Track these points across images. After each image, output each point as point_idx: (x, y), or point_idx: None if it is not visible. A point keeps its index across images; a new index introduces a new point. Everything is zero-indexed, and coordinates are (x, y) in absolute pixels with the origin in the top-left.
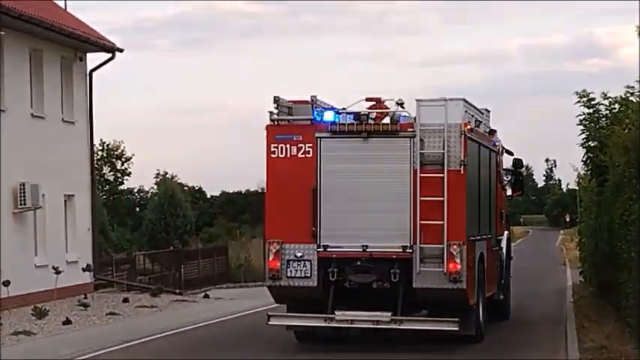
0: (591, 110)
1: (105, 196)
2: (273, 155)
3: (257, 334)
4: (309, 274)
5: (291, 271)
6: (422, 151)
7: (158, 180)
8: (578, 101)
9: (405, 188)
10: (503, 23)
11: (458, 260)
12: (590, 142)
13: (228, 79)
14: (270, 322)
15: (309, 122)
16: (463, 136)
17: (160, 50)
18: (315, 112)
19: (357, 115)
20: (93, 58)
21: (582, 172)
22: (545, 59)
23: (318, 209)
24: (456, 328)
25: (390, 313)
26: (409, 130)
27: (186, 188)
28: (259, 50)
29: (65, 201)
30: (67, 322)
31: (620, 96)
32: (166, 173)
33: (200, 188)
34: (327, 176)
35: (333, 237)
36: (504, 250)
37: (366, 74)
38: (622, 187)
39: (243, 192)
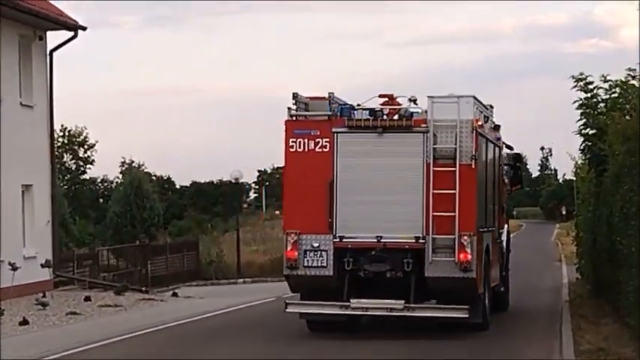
0: (589, 95)
1: (66, 187)
2: (291, 149)
3: (230, 335)
4: (325, 264)
5: (308, 260)
6: (435, 146)
7: (123, 169)
8: (575, 85)
9: (418, 181)
10: (496, 1)
11: (468, 250)
12: (588, 130)
13: (200, 59)
14: (287, 310)
15: (326, 118)
16: (474, 131)
17: (126, 28)
18: (332, 108)
19: (372, 111)
20: (54, 37)
21: (580, 162)
22: (542, 39)
23: (334, 201)
24: (467, 316)
25: (403, 301)
26: (422, 125)
27: (153, 178)
28: (235, 29)
29: (23, 191)
30: (24, 322)
31: (621, 79)
32: (132, 162)
33: (169, 178)
34: (343, 170)
35: (348, 228)
36: (504, 243)
37: (351, 53)
38: (622, 178)
39: (215, 182)
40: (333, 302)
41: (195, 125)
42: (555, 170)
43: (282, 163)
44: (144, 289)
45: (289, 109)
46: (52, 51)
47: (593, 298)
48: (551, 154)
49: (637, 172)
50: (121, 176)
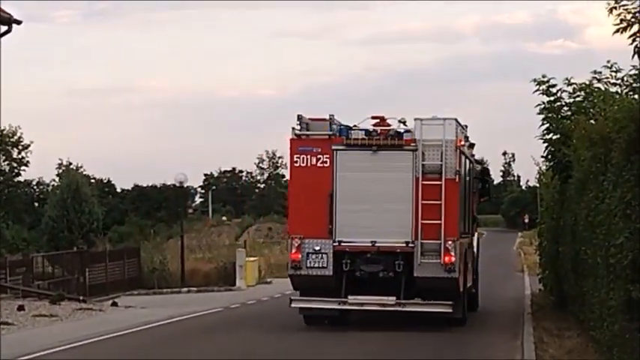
0: (552, 98)
1: None
2: (295, 164)
3: (172, 348)
4: (325, 265)
5: (310, 262)
6: (423, 162)
7: (60, 171)
8: (537, 89)
9: (408, 193)
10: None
11: (453, 254)
12: (551, 135)
13: (142, 56)
14: (292, 305)
15: (327, 137)
16: (457, 150)
17: (63, 23)
18: (332, 128)
19: (367, 132)
20: None
21: (543, 168)
22: (505, 39)
23: (334, 210)
24: (451, 310)
25: (394, 298)
26: (412, 144)
27: (93, 181)
28: (179, 24)
29: None
30: None
31: (585, 83)
32: (70, 164)
33: (109, 181)
34: (342, 182)
35: (346, 233)
36: (475, 249)
37: (303, 53)
38: (587, 185)
39: (158, 186)
40: (333, 298)
41: (137, 126)
42: (518, 177)
43: (248, 173)
44: (81, 298)
45: (293, 128)
46: None
47: (556, 310)
48: (513, 160)
49: (602, 178)
50: (57, 179)
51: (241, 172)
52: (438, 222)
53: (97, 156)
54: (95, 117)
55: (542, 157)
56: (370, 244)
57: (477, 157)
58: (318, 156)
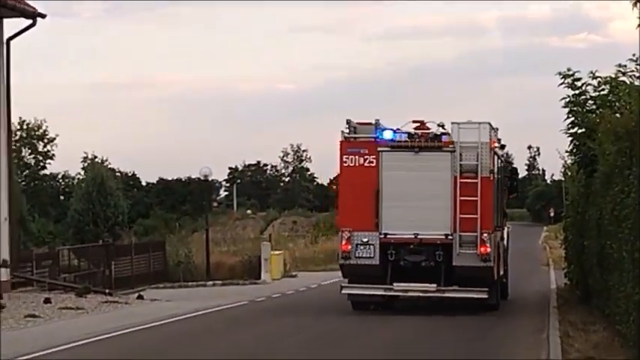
0: (577, 92)
1: (24, 183)
2: (345, 164)
3: (198, 341)
4: (372, 255)
5: (358, 252)
6: (461, 162)
7: (86, 165)
8: (562, 82)
9: (448, 190)
10: None
11: (488, 244)
12: (576, 128)
13: (164, 51)
14: (342, 292)
15: (373, 139)
16: (491, 151)
17: (87, 17)
18: (378, 131)
19: (409, 134)
20: (10, 25)
21: (569, 162)
22: (527, 34)
23: (379, 205)
24: (486, 296)
25: (435, 285)
26: (450, 146)
27: (118, 174)
28: (200, 20)
29: None
30: None
31: (610, 76)
32: (95, 157)
33: (134, 174)
34: (387, 181)
35: (391, 227)
36: (506, 242)
37: (322, 48)
38: (613, 179)
39: (183, 179)
40: (379, 285)
41: (161, 120)
42: (543, 170)
43: (337, 172)
44: (107, 291)
45: (343, 132)
46: (8, 39)
47: (582, 305)
48: (538, 154)
49: (628, 172)
50: (83, 172)
51: (266, 165)
52: (475, 216)
53: (122, 150)
54: (119, 111)
55: (567, 151)
56: (413, 236)
57: (505, 156)
58: (365, 157)
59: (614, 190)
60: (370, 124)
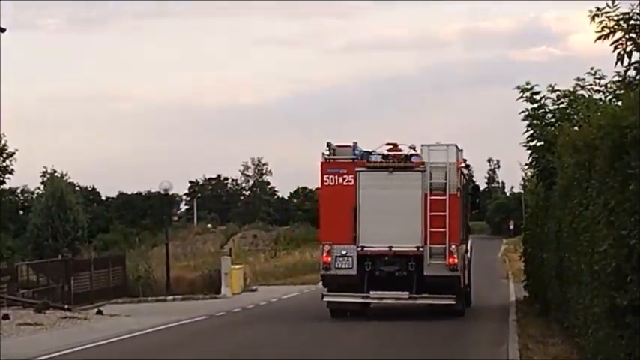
0: (536, 105)
1: None
2: (325, 183)
3: (155, 357)
4: (351, 266)
5: (338, 263)
6: (431, 181)
7: (45, 179)
8: (521, 96)
9: (419, 206)
10: (441, 5)
11: (455, 256)
12: (535, 142)
13: (125, 63)
14: (324, 299)
15: (351, 161)
16: (458, 170)
17: (49, 31)
18: (355, 153)
19: (384, 156)
20: None
21: (528, 175)
22: (488, 47)
23: (357, 221)
24: (454, 302)
25: (408, 292)
26: (421, 166)
27: (77, 189)
28: (162, 33)
29: None
30: None
31: (568, 89)
32: (55, 171)
33: (94, 189)
34: (364, 198)
35: (368, 240)
36: (469, 254)
37: (284, 61)
38: (571, 191)
39: (143, 194)
40: (357, 293)
41: (122, 134)
42: (503, 183)
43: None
44: (66, 306)
45: (323, 153)
46: None
47: (541, 317)
48: (498, 167)
49: (586, 185)
50: (42, 187)
51: (226, 179)
52: (444, 230)
53: (82, 164)
54: (80, 125)
55: (527, 164)
56: (388, 249)
57: (469, 175)
58: (344, 176)
59: (573, 202)
60: (348, 146)
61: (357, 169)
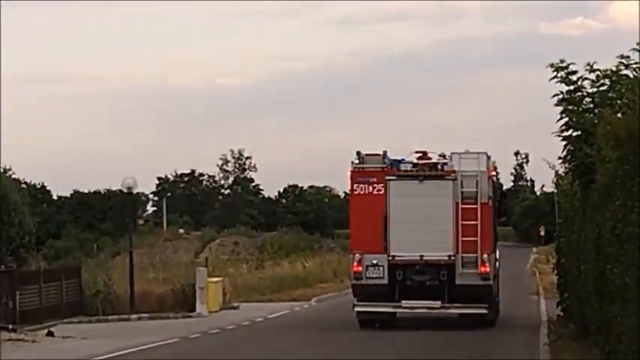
0: (572, 88)
1: None
2: (355, 192)
3: None
4: (382, 276)
5: (369, 273)
6: (462, 190)
7: None
8: (555, 76)
9: (449, 215)
10: None
11: (487, 264)
12: (571, 131)
13: (88, 40)
14: (355, 309)
15: (380, 169)
16: (489, 179)
17: None
18: (384, 162)
19: (414, 164)
20: None
21: (562, 171)
22: (513, 18)
23: (387, 229)
24: (486, 312)
25: (439, 302)
26: (452, 175)
27: (24, 186)
28: (128, 6)
29: None
30: None
31: (610, 69)
32: None
33: (43, 186)
34: (394, 207)
35: (398, 249)
36: (498, 262)
37: (267, 34)
38: (613, 191)
39: (103, 192)
40: (389, 303)
41: (76, 121)
42: (532, 181)
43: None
44: (10, 326)
45: (352, 162)
46: None
47: (578, 341)
48: (527, 161)
49: (631, 183)
50: None
51: (202, 175)
52: (475, 239)
53: (29, 157)
54: (27, 111)
55: (560, 157)
56: (419, 258)
57: (497, 181)
58: (374, 185)
59: (615, 204)
60: (378, 154)
61: (387, 177)
